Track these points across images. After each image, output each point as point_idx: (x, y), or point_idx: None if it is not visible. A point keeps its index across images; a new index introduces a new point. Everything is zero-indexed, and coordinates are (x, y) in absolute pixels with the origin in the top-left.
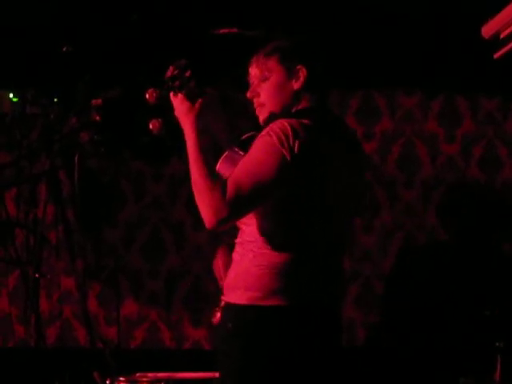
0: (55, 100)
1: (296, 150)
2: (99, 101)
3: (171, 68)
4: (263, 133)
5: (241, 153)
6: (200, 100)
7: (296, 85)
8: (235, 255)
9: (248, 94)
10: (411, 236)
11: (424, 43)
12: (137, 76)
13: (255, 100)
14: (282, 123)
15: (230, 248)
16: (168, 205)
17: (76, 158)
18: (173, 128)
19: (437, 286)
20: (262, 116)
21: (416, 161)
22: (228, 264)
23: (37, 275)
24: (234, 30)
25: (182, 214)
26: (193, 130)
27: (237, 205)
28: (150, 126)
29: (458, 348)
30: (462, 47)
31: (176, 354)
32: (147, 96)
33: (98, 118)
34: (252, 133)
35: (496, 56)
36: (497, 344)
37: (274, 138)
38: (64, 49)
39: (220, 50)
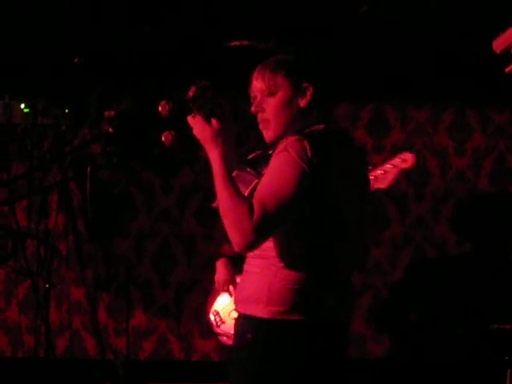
0: (66, 111)
1: (315, 163)
2: (112, 112)
3: (193, 88)
4: (279, 149)
5: (251, 171)
6: (221, 123)
7: (302, 102)
8: (251, 268)
9: (253, 109)
10: (422, 248)
11: (435, 57)
12: (149, 88)
13: (260, 115)
14: (298, 138)
15: (230, 260)
16: (178, 216)
17: (88, 170)
18: (184, 140)
19: (447, 299)
20: (267, 132)
21: (426, 174)
22: (232, 277)
23: (47, 285)
24: (246, 42)
25: (193, 226)
26: (220, 155)
27: (265, 225)
28: (163, 138)
29: (468, 361)
30: (473, 61)
31: (185, 365)
32: (160, 108)
33: (110, 129)
34: (258, 152)
35: (507, 70)
36: (506, 358)
37: (293, 153)
38: (76, 60)
39: (231, 62)
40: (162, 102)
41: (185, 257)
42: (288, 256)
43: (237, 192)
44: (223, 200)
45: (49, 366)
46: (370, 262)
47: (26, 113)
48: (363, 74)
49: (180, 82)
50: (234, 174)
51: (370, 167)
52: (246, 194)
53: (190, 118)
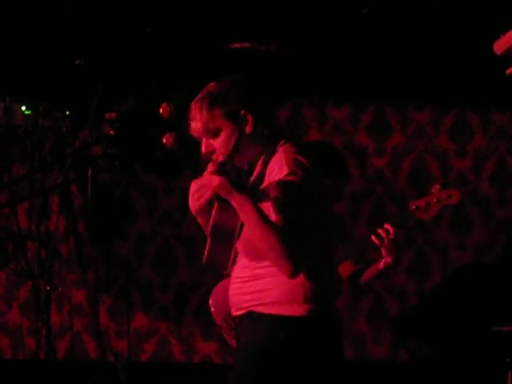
0: (67, 113)
1: (311, 175)
2: (113, 114)
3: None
4: (275, 172)
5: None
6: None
7: (248, 128)
8: (262, 271)
9: (204, 153)
10: (422, 251)
11: (436, 58)
12: (150, 90)
13: (207, 143)
14: (291, 157)
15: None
16: (179, 218)
17: (89, 172)
18: (186, 142)
19: (447, 301)
20: (218, 157)
21: (427, 176)
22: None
23: (48, 288)
24: (247, 44)
25: (194, 228)
26: (249, 201)
27: (304, 243)
28: (164, 140)
29: (469, 363)
30: (474, 63)
31: (186, 367)
32: (161, 110)
33: (111, 131)
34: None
35: (508, 72)
36: (507, 360)
37: (299, 174)
38: (77, 62)
39: (233, 64)
40: (163, 104)
41: (186, 259)
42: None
43: (273, 224)
44: (268, 237)
45: (50, 368)
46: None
47: (27, 115)
48: (364, 75)
49: (181, 83)
50: (217, 205)
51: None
52: (239, 219)
53: (208, 173)
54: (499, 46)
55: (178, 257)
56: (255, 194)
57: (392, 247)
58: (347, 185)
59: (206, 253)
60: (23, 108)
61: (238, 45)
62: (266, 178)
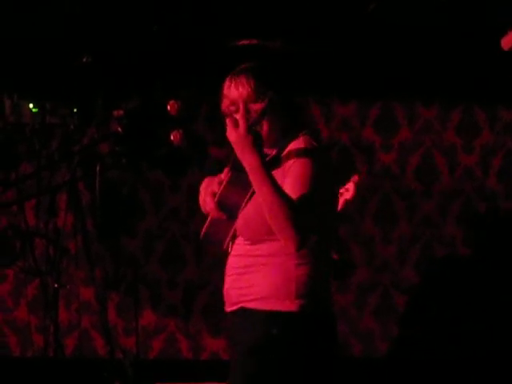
0: (74, 110)
1: (327, 161)
2: (121, 112)
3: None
4: (292, 155)
5: (244, 175)
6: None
7: (273, 111)
8: (254, 265)
9: (224, 109)
10: (430, 247)
11: (443, 54)
12: (157, 87)
13: (232, 116)
14: (309, 141)
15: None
16: (187, 215)
17: (97, 169)
18: (193, 139)
19: (455, 297)
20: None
21: (434, 171)
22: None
23: (56, 285)
24: (254, 41)
25: (201, 225)
26: (261, 161)
27: (312, 221)
28: (171, 138)
29: (476, 359)
30: (481, 58)
31: (194, 364)
32: (168, 107)
33: (119, 129)
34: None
35: None
36: None
37: (315, 152)
38: (84, 59)
39: (237, 63)
40: (171, 102)
41: (194, 256)
42: (303, 253)
43: (284, 191)
44: (277, 204)
45: (58, 365)
46: (378, 260)
47: (35, 112)
48: (371, 72)
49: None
50: (229, 179)
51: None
52: (245, 197)
53: (238, 120)
54: (507, 42)
55: (185, 254)
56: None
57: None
58: None
59: (204, 227)
60: (31, 106)
61: (245, 42)
62: (283, 161)
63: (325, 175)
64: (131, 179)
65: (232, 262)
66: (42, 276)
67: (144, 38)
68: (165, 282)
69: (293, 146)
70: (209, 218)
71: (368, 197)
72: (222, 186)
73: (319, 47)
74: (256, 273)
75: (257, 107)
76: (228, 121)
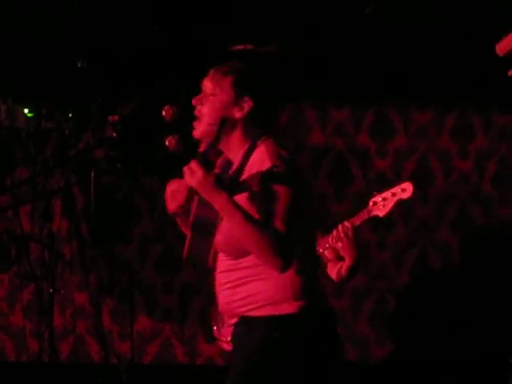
0: (70, 115)
1: (292, 168)
2: (116, 117)
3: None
4: (257, 165)
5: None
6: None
7: (238, 114)
8: (247, 276)
9: (193, 101)
10: (425, 252)
11: (437, 59)
12: (153, 92)
13: (197, 109)
14: (274, 151)
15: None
16: None
17: (92, 175)
18: (189, 144)
19: (450, 302)
20: (197, 129)
21: (430, 177)
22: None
23: (51, 290)
24: (250, 46)
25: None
26: (228, 197)
27: (291, 237)
28: (167, 143)
29: (471, 363)
30: (476, 63)
31: (189, 369)
32: (164, 113)
33: (114, 134)
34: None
35: (510, 73)
36: (510, 360)
37: (282, 166)
38: (79, 64)
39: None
40: (166, 107)
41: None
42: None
43: (258, 221)
44: (250, 233)
45: (53, 370)
46: (373, 265)
47: (30, 117)
48: (365, 76)
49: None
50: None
51: (375, 193)
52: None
53: (192, 166)
54: (501, 48)
55: (181, 259)
56: (234, 187)
57: (350, 246)
58: (350, 186)
59: (186, 248)
60: (26, 110)
61: (240, 47)
62: (247, 171)
63: (295, 185)
64: (126, 184)
65: (220, 279)
66: (37, 281)
67: (140, 42)
68: (160, 287)
69: (255, 157)
70: (188, 238)
71: (363, 202)
72: (194, 206)
73: (314, 51)
74: (249, 283)
75: (212, 103)
76: (184, 169)
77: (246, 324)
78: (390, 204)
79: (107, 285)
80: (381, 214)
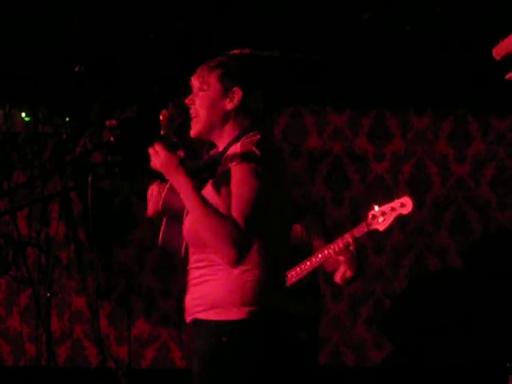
0: (67, 119)
1: (267, 169)
2: (113, 121)
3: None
4: (235, 162)
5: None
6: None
7: (229, 105)
8: (202, 277)
9: (186, 101)
10: (422, 256)
11: (435, 64)
12: (151, 96)
13: (192, 108)
14: (245, 147)
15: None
16: None
17: (89, 180)
18: (187, 149)
19: (447, 306)
20: (194, 128)
21: (427, 181)
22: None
23: (48, 294)
24: (247, 50)
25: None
26: (188, 179)
27: (250, 235)
28: (160, 117)
29: (469, 368)
30: (473, 68)
31: (186, 373)
32: (161, 117)
33: (112, 139)
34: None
35: (507, 77)
36: (508, 364)
37: (253, 164)
38: (77, 69)
39: None
40: (163, 111)
41: (187, 265)
42: (249, 259)
43: (216, 209)
44: (206, 219)
45: (50, 374)
46: (370, 270)
47: (27, 121)
48: (364, 81)
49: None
50: (169, 185)
51: (374, 205)
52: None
53: (156, 147)
54: (498, 52)
55: (179, 263)
56: (201, 174)
57: (352, 260)
58: (347, 190)
59: (160, 234)
60: (23, 114)
61: (237, 51)
62: (223, 163)
63: (266, 182)
64: (124, 189)
65: (188, 275)
66: (35, 285)
67: (139, 46)
68: (158, 291)
69: (230, 152)
70: (162, 225)
71: (361, 206)
72: (165, 190)
73: (313, 56)
74: (205, 283)
75: (203, 97)
76: (149, 150)
77: (196, 326)
78: (390, 219)
79: (105, 289)
80: (381, 228)
